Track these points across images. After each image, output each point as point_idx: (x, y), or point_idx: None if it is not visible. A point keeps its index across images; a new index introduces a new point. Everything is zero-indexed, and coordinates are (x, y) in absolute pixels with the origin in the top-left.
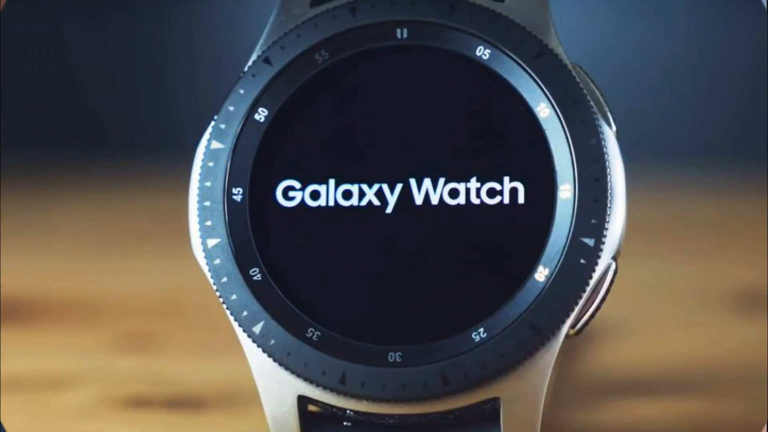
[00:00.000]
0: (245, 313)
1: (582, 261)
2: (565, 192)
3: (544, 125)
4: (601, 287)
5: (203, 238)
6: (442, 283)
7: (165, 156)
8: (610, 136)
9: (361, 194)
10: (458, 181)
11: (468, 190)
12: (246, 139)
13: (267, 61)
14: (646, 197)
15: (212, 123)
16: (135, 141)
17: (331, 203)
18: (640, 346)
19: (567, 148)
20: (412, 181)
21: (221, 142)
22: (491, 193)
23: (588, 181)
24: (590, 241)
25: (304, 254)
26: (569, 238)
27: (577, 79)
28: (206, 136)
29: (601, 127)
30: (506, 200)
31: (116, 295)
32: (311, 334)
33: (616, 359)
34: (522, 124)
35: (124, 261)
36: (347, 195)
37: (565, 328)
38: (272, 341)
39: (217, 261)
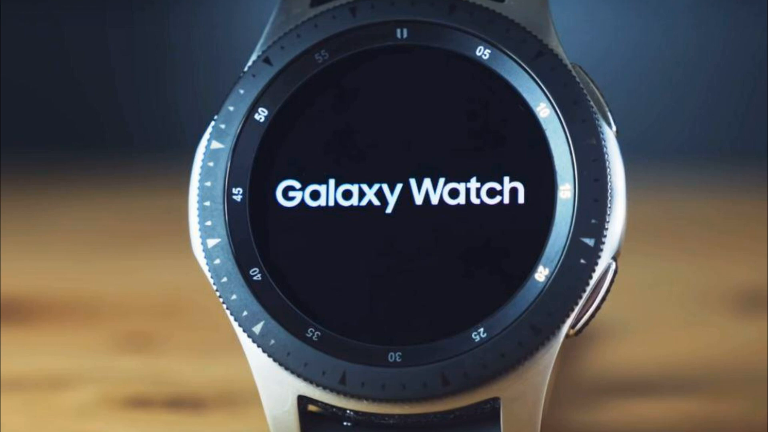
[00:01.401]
0: (245, 313)
1: (582, 261)
2: (565, 192)
3: (544, 125)
4: (601, 287)
5: (203, 238)
6: (442, 283)
7: (165, 156)
8: (610, 136)
9: (361, 194)
10: (458, 181)
11: (468, 190)
12: (246, 139)
13: (267, 61)
14: (646, 197)
15: (212, 123)
16: (135, 141)
17: (331, 203)
18: (640, 346)
19: (567, 148)
20: (412, 181)
21: (221, 142)
22: (491, 193)
23: (588, 181)
24: (590, 241)
25: (304, 254)
26: (569, 238)
27: (577, 79)
28: (206, 136)
29: (601, 127)
30: (506, 200)
31: (116, 295)
32: (311, 334)
33: (616, 359)
34: (522, 124)
35: (124, 261)
36: (347, 195)
37: (565, 328)
38: (272, 341)
39: (217, 261)
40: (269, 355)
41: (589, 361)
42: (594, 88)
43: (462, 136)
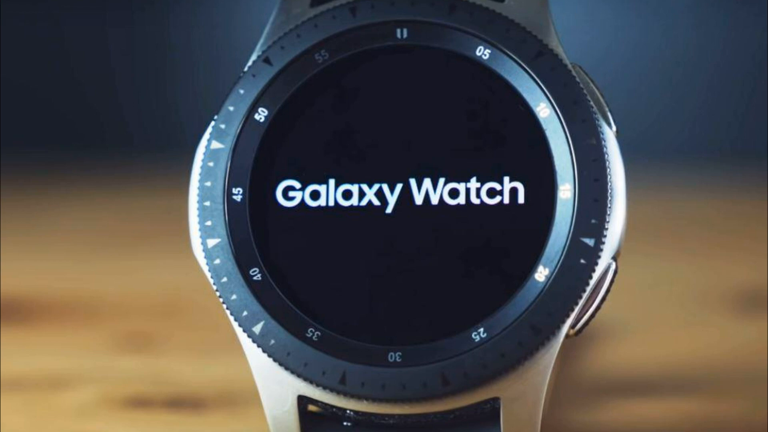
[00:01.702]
0: (245, 313)
1: (582, 261)
2: (565, 192)
3: (544, 125)
4: (601, 287)
5: (203, 238)
6: (442, 283)
7: (165, 156)
8: (610, 136)
9: (361, 194)
10: (458, 181)
11: (468, 190)
12: (246, 139)
13: (267, 61)
14: (646, 197)
15: (212, 123)
16: (135, 141)
17: (331, 203)
18: (640, 346)
19: (567, 148)
20: (412, 181)
21: (221, 142)
22: (491, 193)
23: (588, 181)
24: (590, 241)
25: (304, 254)
26: (569, 238)
27: (577, 79)
28: (206, 136)
29: (601, 127)
30: (506, 200)
31: (116, 295)
32: (311, 334)
33: (616, 359)
34: (522, 124)
35: (124, 261)
36: (347, 195)
37: (565, 328)
38: (272, 341)
39: (217, 261)
40: (269, 355)
41: (589, 361)
42: (594, 88)
43: (462, 136)
